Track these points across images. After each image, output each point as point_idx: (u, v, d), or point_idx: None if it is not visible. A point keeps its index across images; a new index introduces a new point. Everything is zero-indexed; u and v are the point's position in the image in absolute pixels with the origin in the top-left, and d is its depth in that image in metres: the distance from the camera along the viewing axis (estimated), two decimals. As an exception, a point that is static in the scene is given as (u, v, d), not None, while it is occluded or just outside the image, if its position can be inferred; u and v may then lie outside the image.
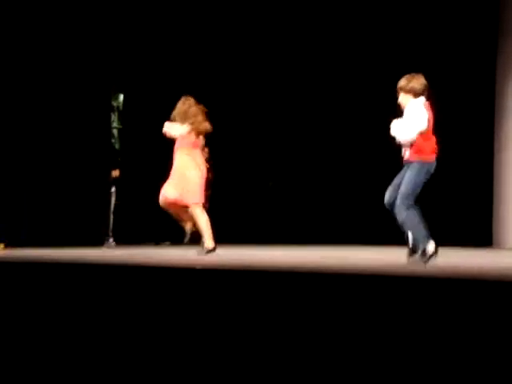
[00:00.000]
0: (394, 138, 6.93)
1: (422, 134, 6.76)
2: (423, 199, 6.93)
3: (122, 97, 14.42)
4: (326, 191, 14.43)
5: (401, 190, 6.74)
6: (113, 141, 14.04)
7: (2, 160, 11.64)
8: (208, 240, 8.77)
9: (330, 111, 14.28)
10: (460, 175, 12.77)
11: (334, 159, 14.30)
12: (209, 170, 13.76)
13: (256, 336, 4.28)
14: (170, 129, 8.80)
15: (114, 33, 13.02)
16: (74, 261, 7.23)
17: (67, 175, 12.14)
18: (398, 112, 6.96)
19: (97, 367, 4.50)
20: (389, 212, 6.84)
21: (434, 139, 6.89)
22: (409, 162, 6.82)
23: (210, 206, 13.83)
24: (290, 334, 4.22)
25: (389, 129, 6.95)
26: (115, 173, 13.14)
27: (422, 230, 6.70)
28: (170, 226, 10.19)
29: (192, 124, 8.77)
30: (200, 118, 8.83)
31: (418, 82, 6.90)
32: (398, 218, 6.75)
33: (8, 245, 10.85)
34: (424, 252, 6.68)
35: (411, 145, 6.77)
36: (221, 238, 13.42)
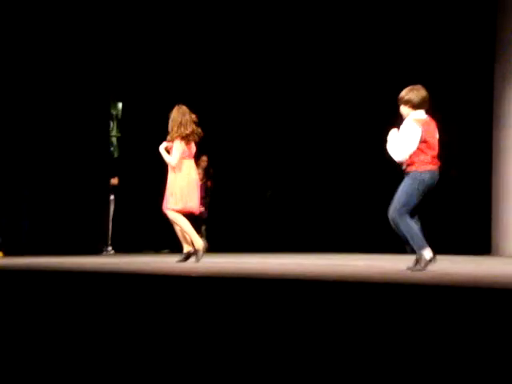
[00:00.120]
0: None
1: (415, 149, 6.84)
2: (422, 207, 6.96)
3: (120, 105, 14.44)
4: (323, 200, 14.44)
5: (393, 201, 6.83)
6: (111, 149, 14.07)
7: (1, 168, 11.65)
8: (197, 240, 8.82)
9: (329, 120, 14.29)
10: (458, 182, 12.77)
11: (332, 169, 14.31)
12: (208, 178, 13.84)
13: (252, 343, 4.28)
14: (164, 155, 8.93)
15: (113, 41, 13.05)
16: (73, 269, 7.23)
17: (66, 183, 12.15)
18: (399, 121, 7.01)
19: (94, 373, 4.50)
20: (387, 221, 6.89)
21: (431, 152, 6.89)
22: (406, 173, 6.91)
23: (209, 214, 13.89)
24: (285, 341, 4.22)
25: (387, 138, 7.01)
26: (114, 181, 13.15)
27: (420, 240, 6.74)
28: (169, 234, 10.19)
29: (180, 135, 8.84)
30: (189, 128, 8.89)
31: (416, 93, 6.92)
32: (396, 227, 6.79)
33: (7, 253, 10.86)
34: (420, 259, 6.72)
35: (407, 158, 6.87)
36: (218, 246, 13.47)
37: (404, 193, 6.83)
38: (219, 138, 14.08)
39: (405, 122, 6.91)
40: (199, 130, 9.00)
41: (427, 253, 6.72)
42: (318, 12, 14.09)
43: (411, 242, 6.77)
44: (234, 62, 14.34)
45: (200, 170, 13.32)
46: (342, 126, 14.11)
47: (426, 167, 6.84)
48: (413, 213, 6.87)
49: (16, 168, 11.77)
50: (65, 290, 5.39)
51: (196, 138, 8.98)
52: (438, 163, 6.93)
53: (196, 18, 14.03)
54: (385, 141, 7.04)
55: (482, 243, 12.65)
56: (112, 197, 13.13)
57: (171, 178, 8.95)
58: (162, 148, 8.95)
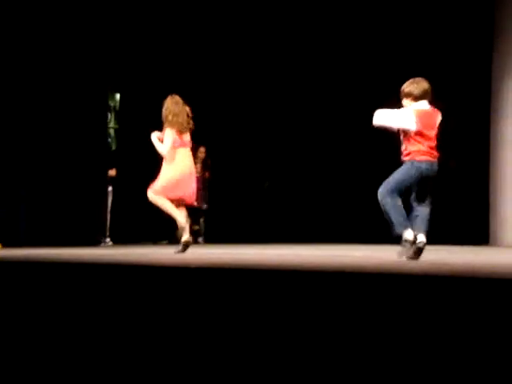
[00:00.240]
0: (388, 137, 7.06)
1: (409, 139, 6.85)
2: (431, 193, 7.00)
3: (118, 96, 14.43)
4: (321, 191, 14.45)
5: (387, 179, 6.86)
6: (109, 140, 14.06)
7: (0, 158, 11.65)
8: (179, 218, 8.80)
9: (327, 112, 14.29)
10: (457, 173, 12.78)
11: (330, 160, 14.31)
12: (206, 170, 13.84)
13: (251, 335, 4.28)
14: (155, 144, 8.90)
15: (111, 33, 13.02)
16: (71, 261, 7.23)
17: (64, 175, 12.14)
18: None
19: (93, 366, 4.50)
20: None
21: (428, 142, 6.90)
22: (403, 163, 6.97)
23: (207, 205, 13.90)
24: (285, 332, 4.23)
25: (383, 130, 7.05)
26: (112, 172, 13.15)
27: (399, 218, 6.74)
28: (167, 225, 10.19)
29: (170, 124, 8.82)
30: (181, 118, 8.87)
31: (417, 86, 6.95)
32: (381, 204, 6.83)
33: (5, 244, 10.85)
34: (405, 247, 6.73)
35: (404, 148, 6.86)
36: (216, 237, 13.48)
37: (398, 173, 6.88)
38: (217, 129, 14.08)
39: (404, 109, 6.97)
40: (191, 121, 8.97)
41: (408, 233, 6.73)
42: (319, 8, 14.08)
43: (390, 220, 6.78)
44: (231, 52, 14.33)
45: (198, 162, 13.34)
46: (340, 117, 14.10)
47: (422, 157, 6.86)
48: (421, 200, 6.88)
49: (14, 159, 11.76)
50: (63, 281, 5.39)
51: (187, 128, 8.93)
52: (436, 155, 6.94)
53: (195, 8, 14.01)
54: (382, 132, 7.06)
55: (479, 233, 12.67)
56: (110, 188, 13.13)
57: (164, 166, 8.94)
58: (154, 137, 8.93)
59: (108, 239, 12.82)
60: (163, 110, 8.93)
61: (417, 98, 6.94)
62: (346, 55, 14.05)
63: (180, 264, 6.57)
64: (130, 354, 4.46)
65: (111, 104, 14.25)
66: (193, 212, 13.24)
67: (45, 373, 4.54)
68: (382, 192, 6.82)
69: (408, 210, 6.90)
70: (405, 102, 7.00)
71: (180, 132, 8.87)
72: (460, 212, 13.01)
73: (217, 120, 14.04)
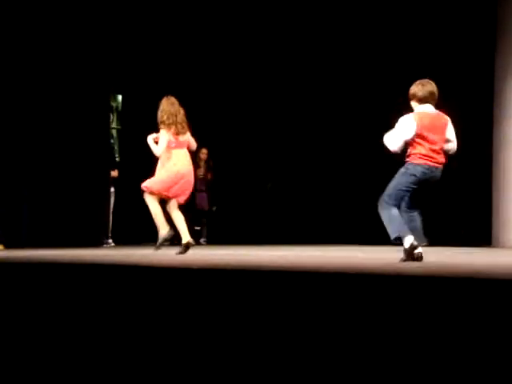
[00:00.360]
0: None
1: (412, 141, 6.85)
2: (422, 199, 6.97)
3: (120, 97, 14.44)
4: (324, 192, 14.44)
5: (388, 185, 6.88)
6: (111, 141, 14.06)
7: (2, 161, 11.65)
8: (162, 230, 8.83)
9: (329, 113, 14.30)
10: (459, 174, 12.76)
11: (332, 161, 14.31)
12: (208, 171, 13.83)
13: (253, 336, 4.28)
14: (151, 146, 8.89)
15: (113, 34, 13.02)
16: (73, 261, 7.23)
17: (66, 176, 12.15)
18: (399, 113, 7.03)
19: (94, 366, 4.50)
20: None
21: (430, 146, 6.87)
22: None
23: (210, 206, 13.89)
24: (288, 333, 4.22)
25: (385, 130, 7.04)
26: (114, 173, 13.15)
27: (396, 227, 6.72)
28: (168, 227, 10.18)
29: (165, 125, 8.81)
30: (177, 118, 8.85)
31: (421, 88, 6.94)
32: (379, 212, 6.85)
33: (7, 245, 10.86)
34: (405, 249, 6.72)
35: (407, 150, 6.90)
36: (218, 238, 13.47)
37: (394, 182, 6.89)
38: (219, 130, 14.07)
39: (403, 116, 6.97)
40: (186, 122, 8.95)
41: (408, 239, 6.69)
42: (321, 8, 14.07)
43: (388, 230, 6.78)
44: (233, 53, 14.33)
45: (200, 163, 13.34)
46: (341, 119, 14.10)
47: (420, 161, 6.85)
48: (413, 206, 6.88)
49: (17, 160, 11.77)
50: (65, 282, 5.39)
51: (184, 129, 8.89)
52: (440, 160, 6.89)
53: (195, 9, 14.01)
54: (383, 134, 7.06)
55: (482, 234, 12.66)
56: (112, 189, 13.13)
57: (158, 167, 8.93)
58: (149, 139, 8.91)
59: (110, 240, 12.82)
60: (159, 111, 8.89)
61: (421, 100, 6.92)
62: (348, 57, 14.05)
63: (181, 265, 6.57)
64: (133, 354, 4.45)
65: (113, 105, 14.26)
66: (195, 213, 13.26)
67: (47, 373, 4.54)
68: (380, 201, 6.85)
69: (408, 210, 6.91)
70: (411, 103, 7.03)
71: (177, 133, 8.83)
72: (462, 213, 13.00)
73: (219, 121, 14.04)
